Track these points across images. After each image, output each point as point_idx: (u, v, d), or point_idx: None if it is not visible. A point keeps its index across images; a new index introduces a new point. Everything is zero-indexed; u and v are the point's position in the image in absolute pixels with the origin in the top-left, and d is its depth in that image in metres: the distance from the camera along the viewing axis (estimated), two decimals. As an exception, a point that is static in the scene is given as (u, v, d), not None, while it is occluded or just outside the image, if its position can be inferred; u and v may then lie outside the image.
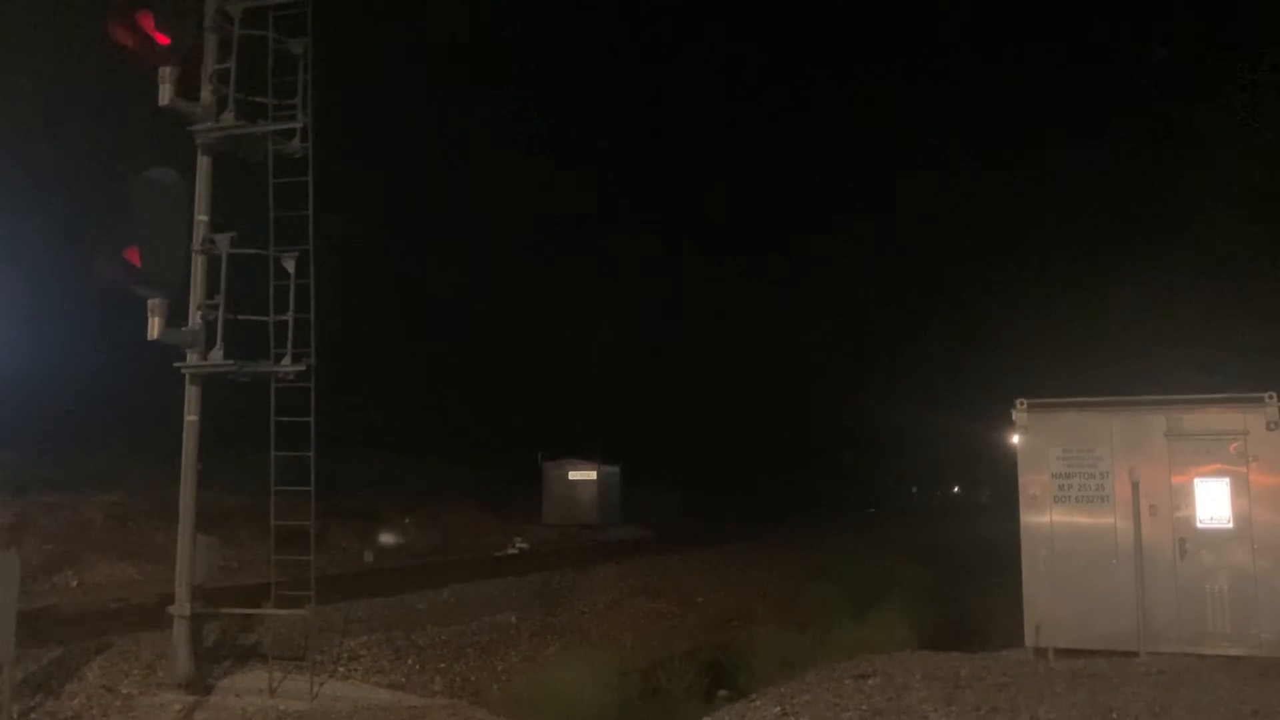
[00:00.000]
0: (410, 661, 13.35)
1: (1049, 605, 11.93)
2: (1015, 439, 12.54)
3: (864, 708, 9.28)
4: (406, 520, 28.76)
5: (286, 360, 11.08)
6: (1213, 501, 11.75)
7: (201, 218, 11.13)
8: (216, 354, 10.98)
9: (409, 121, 48.55)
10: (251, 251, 11.20)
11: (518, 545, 30.51)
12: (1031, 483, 12.34)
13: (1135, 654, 11.43)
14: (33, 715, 9.76)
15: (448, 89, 56.68)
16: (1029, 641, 11.94)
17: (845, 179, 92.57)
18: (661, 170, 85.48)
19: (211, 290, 11.07)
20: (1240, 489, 11.66)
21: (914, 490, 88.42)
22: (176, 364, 11.06)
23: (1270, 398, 11.59)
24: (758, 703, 10.13)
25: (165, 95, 10.80)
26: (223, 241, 11.06)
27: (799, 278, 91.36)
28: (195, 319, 11.02)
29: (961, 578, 26.37)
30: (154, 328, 10.62)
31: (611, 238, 69.58)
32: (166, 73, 10.77)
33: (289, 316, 11.09)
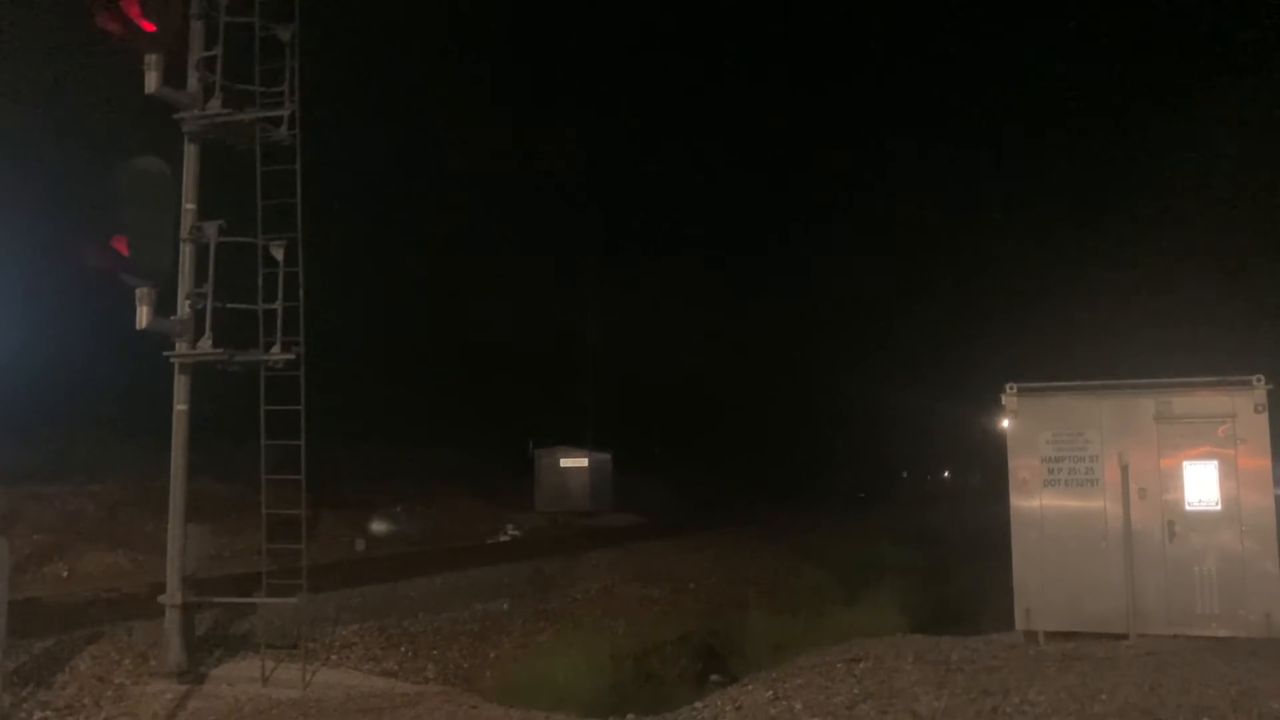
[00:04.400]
0: (403, 649, 13.37)
1: (1039, 588, 11.98)
2: (1005, 423, 12.57)
3: (855, 691, 9.31)
4: (398, 509, 28.74)
5: (276, 349, 11.05)
6: (1201, 484, 11.79)
7: (189, 206, 11.09)
8: (205, 343, 10.95)
9: (403, 110, 48.31)
10: (240, 239, 11.15)
11: (510, 533, 30.53)
12: (1021, 467, 12.37)
13: (1124, 636, 11.48)
14: (25, 705, 9.75)
15: (443, 80, 56.41)
16: (1019, 625, 11.99)
17: (835, 167, 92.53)
18: (652, 158, 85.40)
19: (200, 279, 11.02)
20: (1228, 471, 11.70)
21: (904, 475, 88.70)
22: (165, 353, 11.03)
23: (1258, 380, 11.63)
24: (750, 687, 10.16)
25: (151, 83, 10.73)
26: (210, 230, 11.01)
27: (789, 265, 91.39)
28: (184, 308, 10.98)
29: (952, 562, 26.48)
30: (142, 317, 10.59)
31: (602, 225, 69.57)
32: (152, 60, 10.70)
33: (278, 305, 11.05)
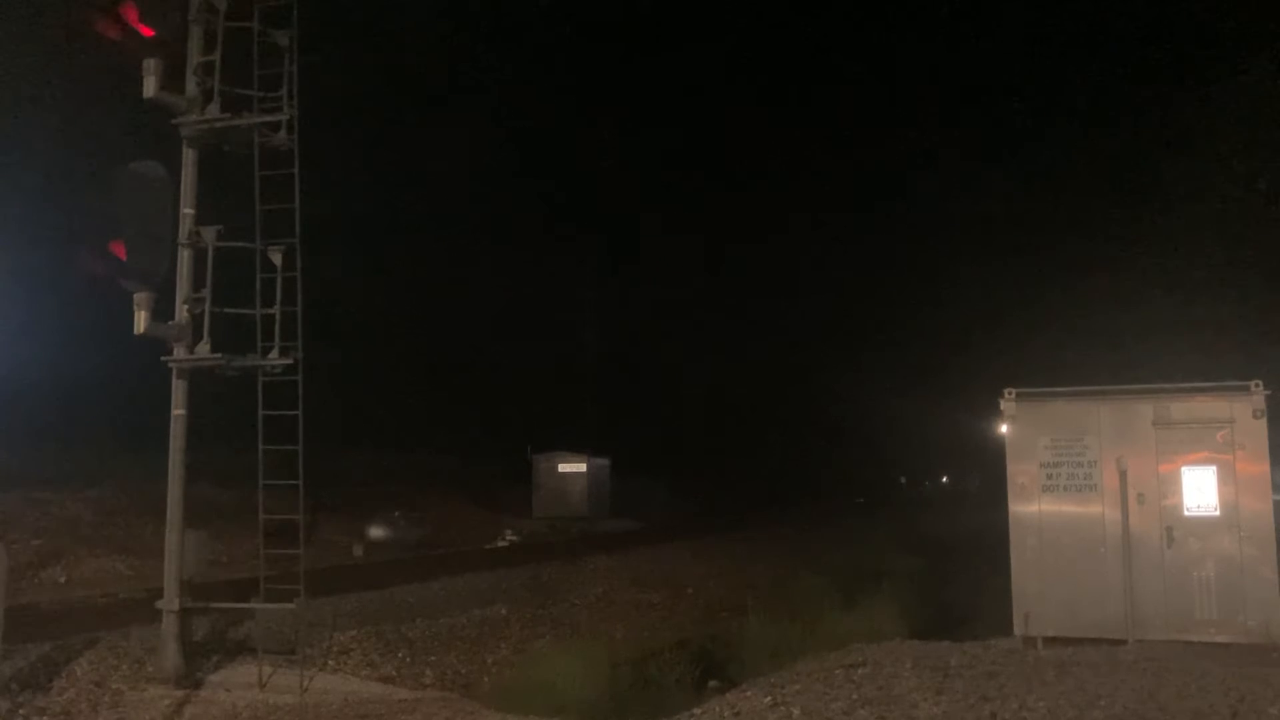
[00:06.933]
0: (400, 654, 13.35)
1: (1037, 594, 11.97)
2: (1003, 428, 12.56)
3: (854, 697, 9.30)
4: (396, 514, 28.71)
5: (274, 354, 11.05)
6: (1200, 489, 11.80)
7: (187, 210, 11.08)
8: (203, 348, 10.94)
9: (402, 114, 48.38)
10: (238, 244, 11.14)
11: (508, 538, 30.53)
12: (1019, 472, 12.37)
13: (1123, 642, 11.48)
14: (22, 711, 9.72)
15: (442, 83, 56.47)
16: (1018, 630, 11.98)
17: (834, 174, 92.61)
18: (653, 161, 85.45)
19: (198, 284, 11.01)
20: (1227, 477, 11.70)
21: (902, 480, 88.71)
22: (163, 358, 11.01)
23: (1256, 386, 11.63)
24: (748, 693, 10.13)
25: (150, 87, 10.74)
26: (209, 234, 11.00)
27: (790, 270, 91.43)
28: (182, 313, 10.97)
29: (950, 567, 26.44)
30: (140, 322, 10.57)
31: (601, 231, 69.63)
32: (151, 65, 10.72)
33: (276, 310, 11.04)
